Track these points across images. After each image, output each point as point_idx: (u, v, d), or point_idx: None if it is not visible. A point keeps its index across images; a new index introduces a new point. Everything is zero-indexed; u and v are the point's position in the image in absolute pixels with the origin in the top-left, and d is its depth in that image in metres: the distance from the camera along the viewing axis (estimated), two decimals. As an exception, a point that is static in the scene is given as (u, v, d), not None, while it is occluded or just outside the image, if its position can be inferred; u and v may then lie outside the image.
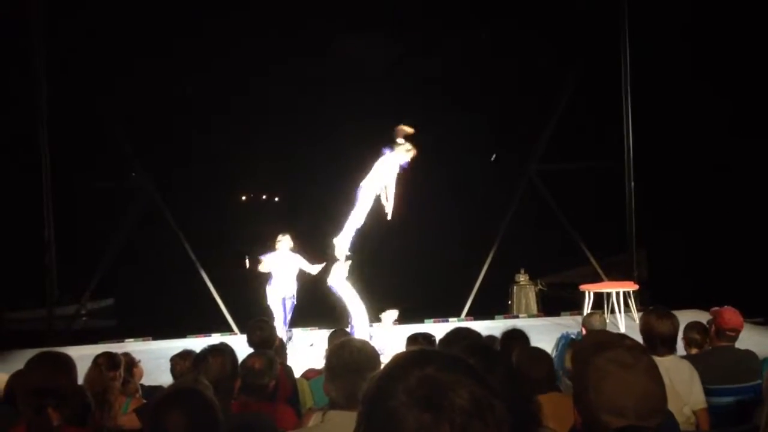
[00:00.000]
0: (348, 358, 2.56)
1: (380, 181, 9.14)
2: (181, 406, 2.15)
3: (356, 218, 9.16)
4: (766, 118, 15.64)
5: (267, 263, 10.09)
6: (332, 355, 2.65)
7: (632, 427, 1.74)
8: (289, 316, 10.20)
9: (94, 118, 13.76)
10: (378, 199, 9.22)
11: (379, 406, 1.14)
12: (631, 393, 1.74)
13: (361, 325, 9.17)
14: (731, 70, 16.81)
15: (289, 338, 10.03)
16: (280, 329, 9.49)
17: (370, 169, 9.15)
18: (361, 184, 9.14)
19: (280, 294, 10.07)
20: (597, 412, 1.77)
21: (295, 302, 10.27)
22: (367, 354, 2.62)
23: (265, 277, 10.14)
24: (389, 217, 9.29)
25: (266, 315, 8.56)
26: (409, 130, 9.21)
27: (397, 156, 9.17)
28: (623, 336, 1.95)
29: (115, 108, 13.01)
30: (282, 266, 10.10)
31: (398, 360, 1.22)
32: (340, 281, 9.26)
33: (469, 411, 1.10)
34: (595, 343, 1.91)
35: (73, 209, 15.20)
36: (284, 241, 10.22)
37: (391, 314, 9.62)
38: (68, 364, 3.00)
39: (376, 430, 1.13)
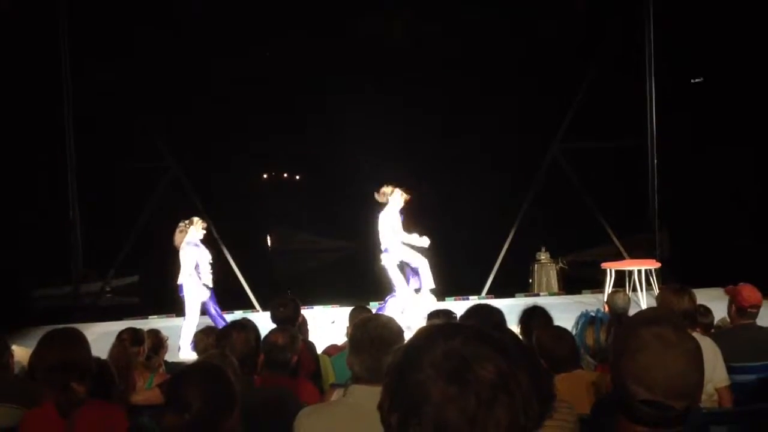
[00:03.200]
0: (372, 332, 2.59)
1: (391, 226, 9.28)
2: (199, 380, 2.19)
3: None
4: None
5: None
6: (357, 329, 2.69)
7: (658, 403, 1.73)
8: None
9: (118, 96, 13.84)
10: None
11: (404, 379, 1.14)
12: (664, 369, 1.72)
13: (396, 303, 9.26)
14: (757, 46, 16.55)
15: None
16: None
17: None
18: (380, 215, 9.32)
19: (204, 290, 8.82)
20: (626, 380, 1.77)
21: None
22: (391, 329, 2.65)
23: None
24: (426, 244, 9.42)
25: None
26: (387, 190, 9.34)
27: (395, 206, 9.28)
28: (677, 319, 1.93)
29: (139, 86, 13.07)
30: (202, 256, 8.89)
31: (424, 333, 1.22)
32: (393, 264, 9.37)
33: (495, 384, 1.10)
34: (646, 317, 1.90)
35: (99, 187, 15.34)
36: (197, 226, 8.94)
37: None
38: (80, 337, 3.05)
39: (402, 403, 1.13)
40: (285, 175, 44.96)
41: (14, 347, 5.07)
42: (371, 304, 10.33)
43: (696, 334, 4.01)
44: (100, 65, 12.90)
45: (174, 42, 15.89)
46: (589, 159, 14.81)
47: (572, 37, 15.43)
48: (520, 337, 4.72)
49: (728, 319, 5.21)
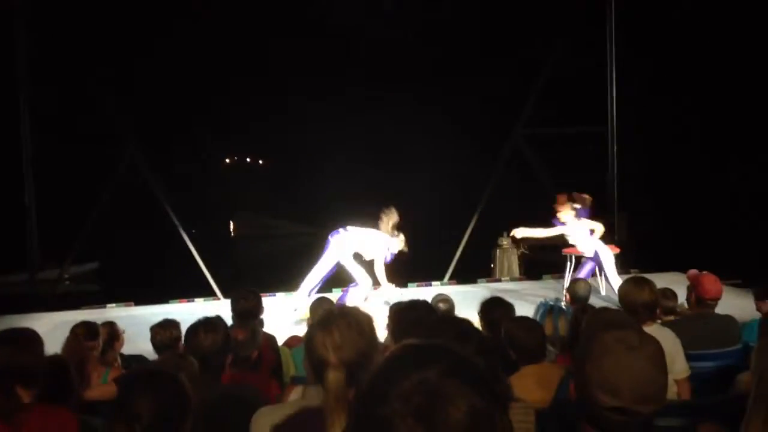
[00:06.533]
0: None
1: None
2: (151, 390, 2.12)
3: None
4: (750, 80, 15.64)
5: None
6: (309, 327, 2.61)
7: (625, 409, 1.71)
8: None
9: (75, 76, 13.50)
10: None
11: (370, 410, 1.05)
12: (629, 375, 1.71)
13: (358, 292, 9.21)
14: (718, 33, 16.75)
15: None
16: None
17: None
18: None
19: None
20: (591, 388, 1.74)
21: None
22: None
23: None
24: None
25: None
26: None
27: (390, 241, 9.26)
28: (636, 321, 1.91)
29: (98, 66, 12.75)
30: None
31: (396, 357, 1.12)
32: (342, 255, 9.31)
33: (466, 425, 1.02)
34: (607, 321, 1.89)
35: (55, 172, 15.04)
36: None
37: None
38: (32, 340, 2.94)
39: None
40: (248, 159, 44.68)
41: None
42: (334, 290, 10.29)
43: (656, 326, 4.05)
44: (59, 41, 12.51)
45: (139, 24, 15.60)
46: (552, 144, 14.91)
47: (536, 22, 15.45)
48: (479, 327, 4.71)
49: (686, 306, 5.27)
